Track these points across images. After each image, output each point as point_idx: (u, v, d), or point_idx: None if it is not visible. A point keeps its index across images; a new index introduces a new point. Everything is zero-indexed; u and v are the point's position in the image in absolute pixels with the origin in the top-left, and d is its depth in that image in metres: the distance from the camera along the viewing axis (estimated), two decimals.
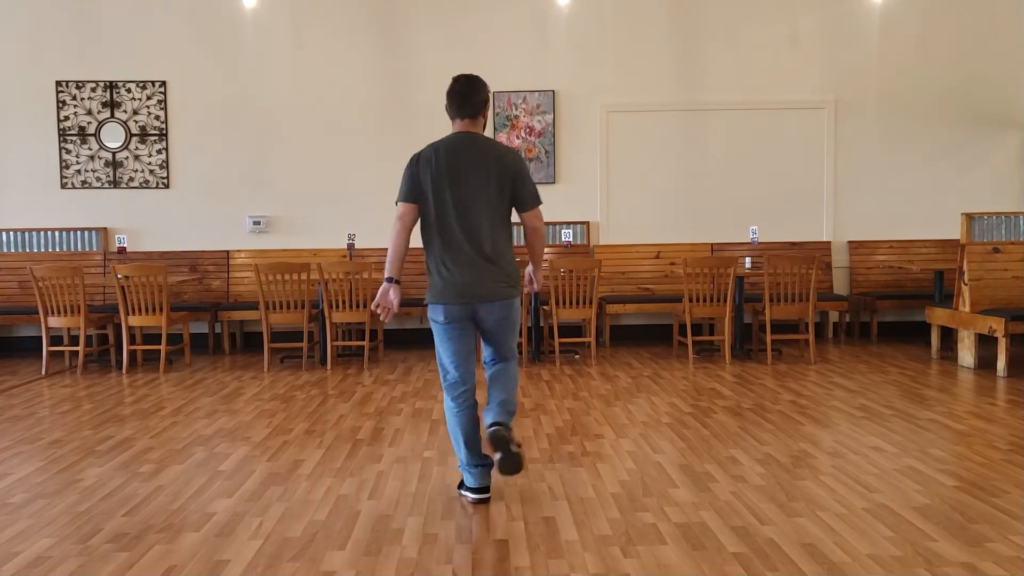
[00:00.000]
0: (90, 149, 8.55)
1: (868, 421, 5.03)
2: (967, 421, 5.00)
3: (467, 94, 3.67)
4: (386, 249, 9.57)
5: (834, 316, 8.71)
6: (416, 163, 3.62)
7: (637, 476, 3.98)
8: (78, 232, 8.54)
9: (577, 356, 7.61)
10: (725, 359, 7.25)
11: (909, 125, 8.70)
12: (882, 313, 8.65)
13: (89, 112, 8.52)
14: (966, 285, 6.81)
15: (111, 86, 8.52)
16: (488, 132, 8.56)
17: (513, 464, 3.50)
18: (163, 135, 8.56)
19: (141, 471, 4.17)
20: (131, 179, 8.57)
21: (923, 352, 7.61)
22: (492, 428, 3.52)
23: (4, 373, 7.24)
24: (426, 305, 3.66)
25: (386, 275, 3.66)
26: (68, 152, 8.53)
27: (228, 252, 8.61)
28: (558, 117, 8.59)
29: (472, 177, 3.56)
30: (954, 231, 8.28)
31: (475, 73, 3.81)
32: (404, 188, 3.62)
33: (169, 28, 8.49)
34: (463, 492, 3.70)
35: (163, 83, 8.53)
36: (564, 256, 8.47)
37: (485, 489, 3.65)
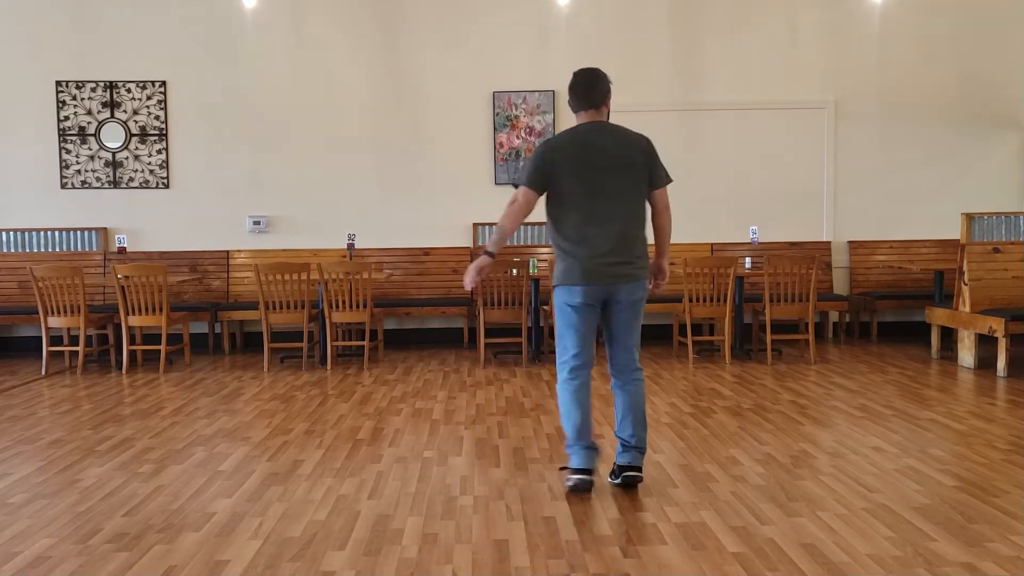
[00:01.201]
0: (90, 149, 8.55)
1: (868, 421, 5.03)
2: (967, 421, 5.00)
3: (589, 85, 3.76)
4: (385, 249, 9.49)
5: (834, 316, 8.71)
6: (552, 150, 3.71)
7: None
8: (78, 232, 8.54)
9: None
10: (725, 359, 7.25)
11: (909, 125, 8.70)
12: (882, 313, 8.65)
13: (89, 112, 8.52)
14: (966, 285, 6.81)
15: (111, 86, 8.52)
16: (488, 132, 8.59)
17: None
18: (163, 135, 8.56)
19: (141, 471, 4.17)
20: (131, 179, 8.57)
21: (923, 352, 7.61)
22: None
23: (4, 373, 7.24)
24: (555, 287, 3.74)
25: (491, 249, 3.73)
26: (68, 152, 8.53)
27: (228, 252, 8.62)
28: (558, 117, 8.59)
29: (609, 160, 3.68)
30: (954, 231, 8.27)
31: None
32: (531, 174, 3.70)
33: (169, 28, 8.49)
34: (567, 473, 3.78)
35: (163, 83, 8.53)
36: None
37: (587, 471, 3.71)
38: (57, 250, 8.53)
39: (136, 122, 8.54)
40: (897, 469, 4.03)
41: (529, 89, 8.55)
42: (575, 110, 3.80)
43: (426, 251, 8.63)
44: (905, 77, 8.66)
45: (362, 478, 4.00)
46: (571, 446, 3.76)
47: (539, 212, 9.35)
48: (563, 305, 3.71)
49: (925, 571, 2.86)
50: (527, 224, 8.62)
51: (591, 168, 3.65)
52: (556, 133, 3.82)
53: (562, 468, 3.94)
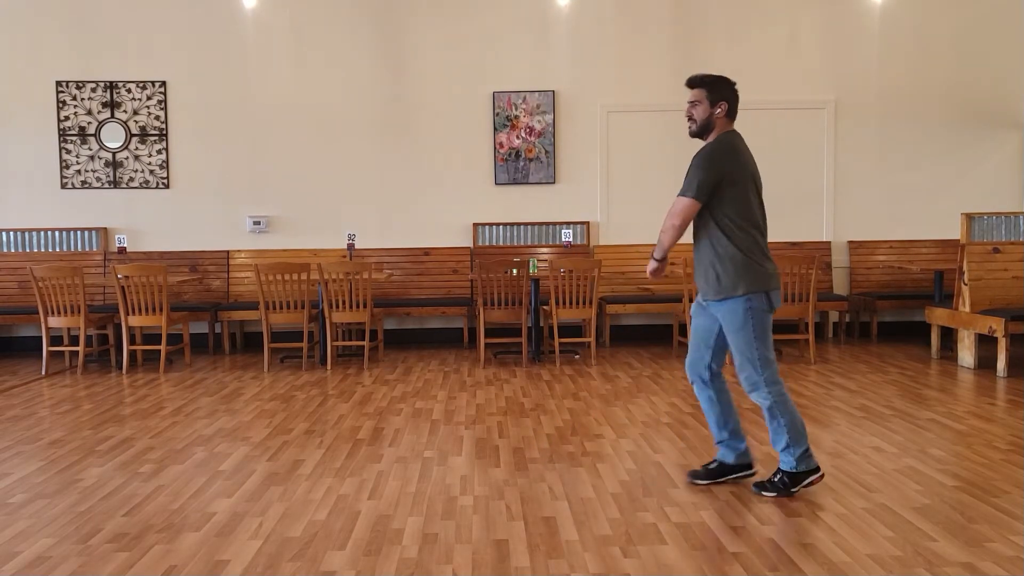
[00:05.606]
0: (90, 149, 8.55)
1: (868, 421, 5.03)
2: (967, 421, 5.00)
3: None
4: (385, 249, 9.50)
5: (834, 316, 8.71)
6: (736, 154, 3.95)
7: (637, 476, 3.99)
8: (78, 232, 8.54)
9: (577, 356, 7.61)
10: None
11: (909, 125, 8.70)
12: (882, 313, 8.65)
13: (89, 112, 8.52)
14: (966, 285, 6.81)
15: (111, 86, 8.52)
16: (488, 132, 8.59)
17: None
18: (163, 135, 8.56)
19: (141, 471, 4.18)
20: (131, 179, 8.57)
21: (923, 352, 7.61)
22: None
23: (4, 373, 7.24)
24: (749, 294, 3.75)
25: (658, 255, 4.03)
26: (68, 152, 8.53)
27: (228, 252, 8.62)
28: (558, 117, 8.59)
29: None
30: (954, 231, 8.27)
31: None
32: (712, 179, 3.85)
33: (169, 28, 8.49)
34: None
35: (163, 83, 8.53)
36: (564, 256, 8.47)
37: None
38: (57, 250, 8.53)
39: (136, 122, 8.54)
40: (897, 469, 4.03)
41: (529, 89, 8.55)
42: (733, 117, 4.22)
43: (426, 251, 8.63)
44: (905, 77, 8.66)
45: (362, 478, 4.01)
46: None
47: (537, 213, 9.29)
48: (759, 311, 3.86)
49: (925, 571, 2.86)
50: (528, 224, 8.63)
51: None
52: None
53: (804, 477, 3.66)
